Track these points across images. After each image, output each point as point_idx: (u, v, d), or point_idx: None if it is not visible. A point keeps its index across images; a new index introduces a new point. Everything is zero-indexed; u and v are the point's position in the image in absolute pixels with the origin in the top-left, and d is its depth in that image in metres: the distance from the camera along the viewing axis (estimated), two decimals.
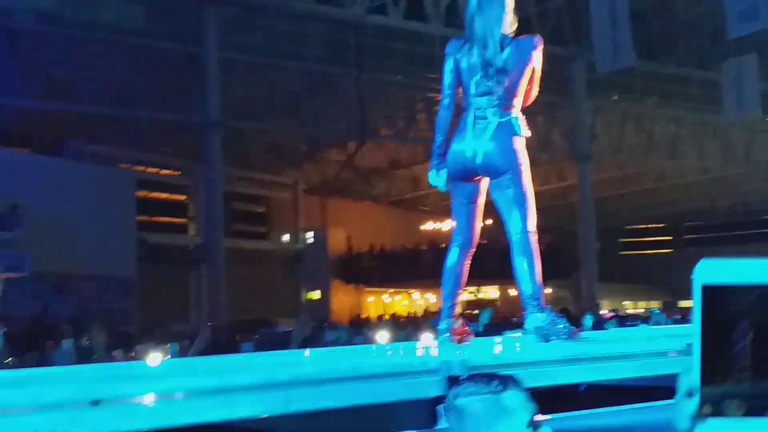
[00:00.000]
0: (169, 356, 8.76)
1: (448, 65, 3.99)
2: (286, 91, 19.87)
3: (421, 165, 29.46)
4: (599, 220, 26.23)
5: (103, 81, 19.56)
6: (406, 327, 16.63)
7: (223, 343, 10.58)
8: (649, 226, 39.41)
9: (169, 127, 21.66)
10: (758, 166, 26.59)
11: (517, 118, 3.91)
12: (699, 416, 1.02)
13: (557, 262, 32.41)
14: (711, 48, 23.83)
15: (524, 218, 3.93)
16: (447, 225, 36.06)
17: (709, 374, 1.01)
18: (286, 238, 28.70)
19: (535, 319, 3.89)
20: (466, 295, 30.97)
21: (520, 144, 3.89)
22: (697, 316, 1.01)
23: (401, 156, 26.77)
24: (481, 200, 4.06)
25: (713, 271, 1.02)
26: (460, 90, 3.99)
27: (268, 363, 3.74)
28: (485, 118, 3.87)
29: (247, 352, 9.41)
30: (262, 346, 10.31)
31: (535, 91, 3.99)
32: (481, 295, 31.59)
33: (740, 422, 1.00)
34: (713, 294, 1.01)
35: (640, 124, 24.45)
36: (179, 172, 25.54)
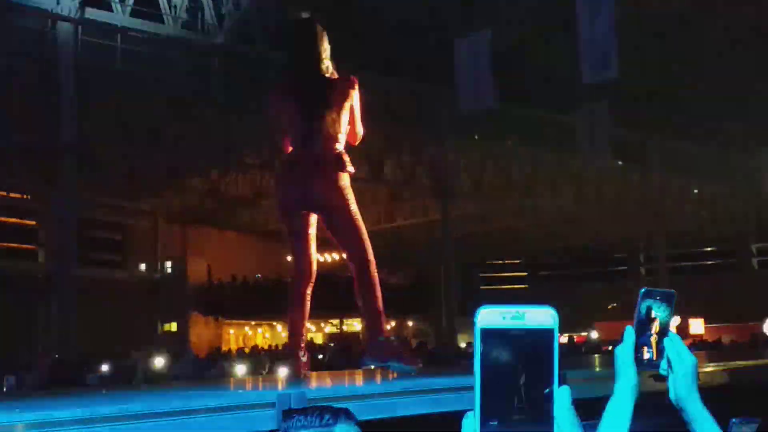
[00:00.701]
0: (4, 389, 8.24)
1: (274, 108, 4.21)
2: (147, 116, 19.36)
3: None
4: (460, 256, 26.89)
5: None
6: (265, 359, 16.38)
7: (68, 376, 10.09)
8: (507, 262, 40.80)
9: (21, 148, 20.64)
10: (608, 208, 28.02)
11: (341, 153, 4.02)
12: None
13: (420, 296, 33.01)
14: (567, 93, 25.05)
15: (362, 249, 4.03)
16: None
17: (489, 408, 1.09)
18: (143, 267, 27.82)
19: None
20: (328, 327, 31.00)
21: (346, 179, 4.02)
22: (478, 356, 1.09)
23: (267, 186, 26.57)
24: (312, 232, 4.10)
25: (490, 316, 1.10)
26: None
27: (96, 398, 3.56)
28: (319, 154, 3.98)
29: (92, 384, 8.99)
30: (109, 379, 9.87)
31: (359, 129, 4.11)
32: (344, 328, 31.65)
33: None
34: (490, 336, 1.09)
35: (499, 163, 25.31)
36: (29, 196, 24.34)
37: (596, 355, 12.77)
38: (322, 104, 4.01)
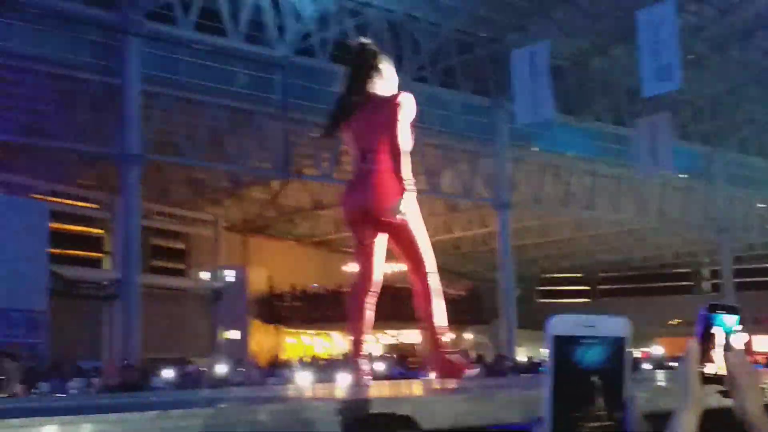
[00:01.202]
0: (73, 392, 8.49)
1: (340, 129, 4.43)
2: (209, 127, 19.75)
3: None
4: (519, 268, 26.67)
5: (18, 110, 19.14)
6: (325, 369, 16.47)
7: (134, 381, 10.33)
8: (566, 275, 40.27)
9: (88, 158, 21.25)
10: (670, 221, 27.53)
11: (395, 168, 4.12)
12: None
13: (478, 308, 32.80)
14: (627, 105, 24.74)
15: (422, 261, 4.17)
16: None
17: (560, 415, 1.12)
18: (205, 275, 28.27)
19: None
20: (387, 338, 30.98)
21: (404, 191, 4.08)
22: (551, 363, 1.12)
23: (325, 197, 26.81)
24: (379, 243, 4.23)
25: (564, 323, 1.13)
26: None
27: (159, 403, 3.65)
28: (371, 169, 4.15)
29: (158, 389, 9.17)
30: (175, 385, 10.08)
31: (401, 145, 4.13)
32: (402, 339, 31.63)
33: None
34: (563, 343, 1.13)
35: (558, 175, 25.09)
36: (97, 205, 24.99)
37: (660, 371, 12.54)
38: (371, 123, 4.19)
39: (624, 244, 33.47)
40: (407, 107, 4.15)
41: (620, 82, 24.10)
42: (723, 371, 1.63)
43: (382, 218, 4.09)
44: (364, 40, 4.47)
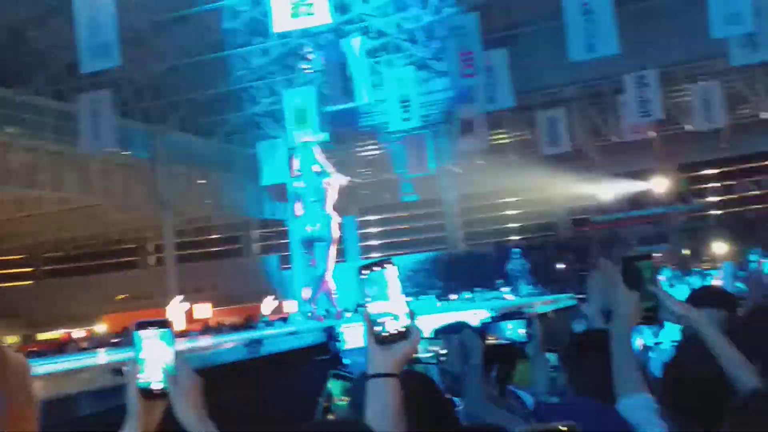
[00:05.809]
0: None
1: None
2: None
3: None
4: None
5: None
6: None
7: None
8: (7, 258, 37.99)
9: None
10: (115, 198, 27.68)
11: None
12: None
13: None
14: (68, 80, 24.09)
15: None
16: None
17: None
18: None
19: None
20: None
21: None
22: None
23: None
24: None
25: None
26: None
27: None
28: None
29: None
30: None
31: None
32: None
33: None
34: None
35: None
36: None
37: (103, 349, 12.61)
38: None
39: (69, 223, 32.75)
40: None
41: (60, 56, 23.30)
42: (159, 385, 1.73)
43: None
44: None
